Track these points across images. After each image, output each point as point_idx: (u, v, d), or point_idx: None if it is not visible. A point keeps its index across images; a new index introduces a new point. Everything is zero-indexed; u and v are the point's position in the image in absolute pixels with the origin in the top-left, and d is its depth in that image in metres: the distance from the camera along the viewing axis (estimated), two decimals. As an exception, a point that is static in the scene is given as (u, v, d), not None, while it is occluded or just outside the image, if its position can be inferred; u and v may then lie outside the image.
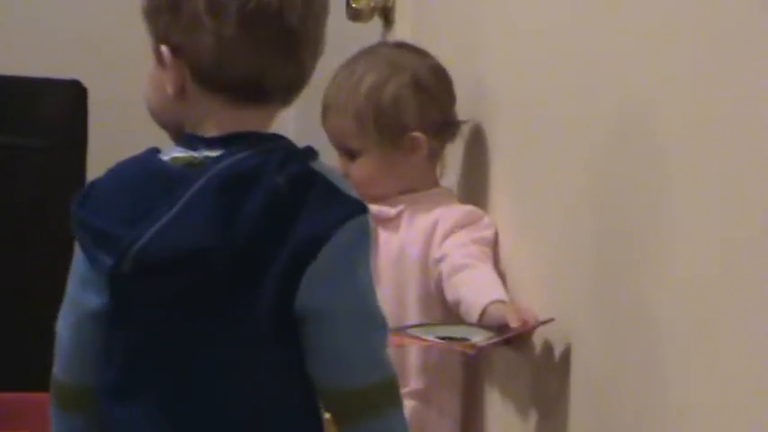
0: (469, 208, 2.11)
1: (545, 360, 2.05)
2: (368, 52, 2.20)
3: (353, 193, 1.51)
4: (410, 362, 2.10)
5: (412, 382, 2.08)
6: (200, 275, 1.47)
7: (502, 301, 1.94)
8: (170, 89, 1.51)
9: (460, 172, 2.29)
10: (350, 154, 2.10)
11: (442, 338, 1.98)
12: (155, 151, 1.52)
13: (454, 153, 2.26)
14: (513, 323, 1.89)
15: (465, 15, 2.36)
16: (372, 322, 1.52)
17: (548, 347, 2.03)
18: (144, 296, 1.51)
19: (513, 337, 1.94)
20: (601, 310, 1.88)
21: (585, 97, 1.88)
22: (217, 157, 1.48)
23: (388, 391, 1.54)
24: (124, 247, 1.45)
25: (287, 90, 1.54)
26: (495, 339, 1.89)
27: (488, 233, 2.07)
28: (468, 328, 1.98)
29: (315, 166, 1.50)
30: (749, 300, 1.44)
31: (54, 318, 2.36)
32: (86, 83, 2.96)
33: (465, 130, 2.21)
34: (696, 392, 1.56)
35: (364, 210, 1.49)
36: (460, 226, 2.06)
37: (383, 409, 1.53)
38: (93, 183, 1.59)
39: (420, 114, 2.10)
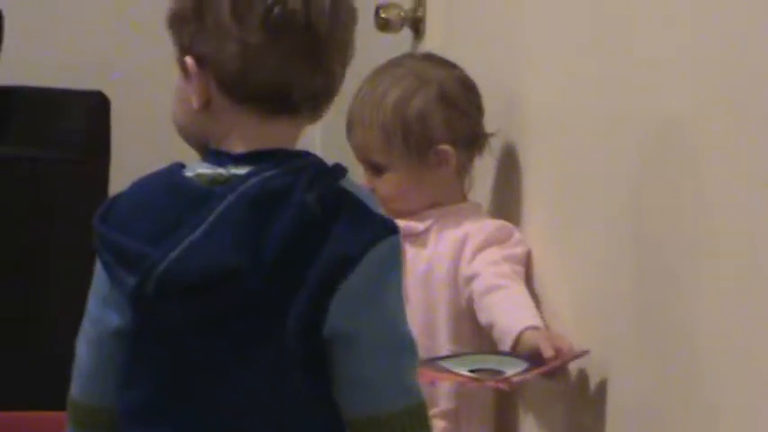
0: (500, 223, 2.10)
1: (581, 390, 2.04)
2: (393, 65, 2.19)
3: (383, 213, 1.50)
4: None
5: (442, 403, 2.04)
6: (229, 297, 1.45)
7: (536, 328, 1.93)
8: (195, 101, 1.48)
9: (492, 187, 2.28)
10: (376, 169, 2.09)
11: (475, 371, 1.95)
12: (179, 166, 1.49)
13: (485, 168, 2.25)
14: (548, 353, 1.88)
15: (499, 28, 2.37)
16: (402, 347, 1.50)
17: (584, 377, 2.02)
18: (168, 318, 1.49)
19: (551, 369, 1.93)
20: (642, 340, 1.86)
21: (621, 113, 1.87)
22: (244, 175, 1.46)
23: (417, 418, 1.51)
24: (148, 267, 1.43)
25: (315, 101, 1.50)
26: (528, 374, 1.88)
27: (520, 250, 2.05)
28: (501, 357, 1.95)
29: (344, 184, 1.47)
30: None
31: (74, 333, 2.34)
32: (109, 94, 3.01)
33: (496, 145, 2.20)
34: (740, 428, 1.55)
35: (395, 230, 1.47)
36: (491, 242, 2.04)
37: (420, 426, 1.52)
38: (115, 197, 1.55)
39: (447, 127, 2.09)
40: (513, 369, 1.93)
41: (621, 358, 1.94)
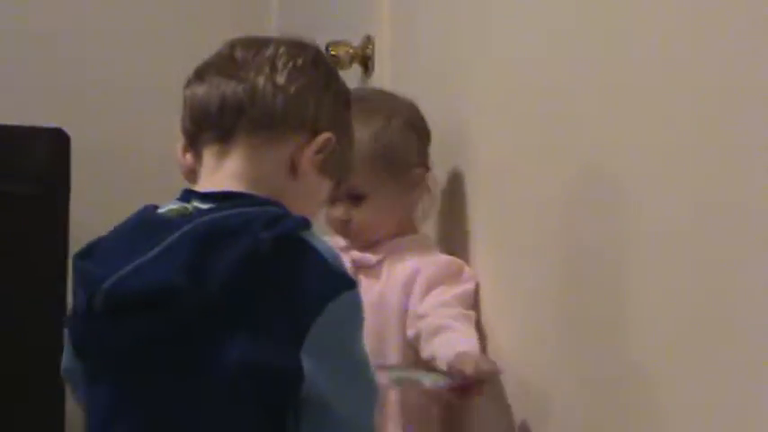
0: (450, 259, 2.12)
1: (522, 413, 2.05)
2: (359, 100, 2.14)
3: (341, 267, 1.53)
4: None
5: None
6: (167, 317, 1.47)
7: (467, 353, 1.95)
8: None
9: (439, 219, 2.28)
10: (356, 198, 2.11)
11: (395, 380, 1.99)
12: (153, 206, 1.55)
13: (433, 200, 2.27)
14: (468, 370, 1.88)
15: (444, 66, 2.39)
16: (374, 396, 1.55)
17: (524, 401, 2.04)
18: (115, 334, 1.49)
19: (468, 385, 1.93)
20: (578, 365, 1.89)
21: (559, 149, 1.90)
22: (205, 209, 1.50)
23: None
24: (98, 283, 1.46)
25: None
26: (442, 383, 1.89)
27: (469, 286, 2.08)
28: (428, 372, 1.95)
29: (305, 234, 1.50)
30: (730, 351, 1.45)
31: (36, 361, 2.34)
32: (69, 130, 2.98)
33: (443, 177, 2.24)
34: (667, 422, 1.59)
35: (351, 285, 1.50)
36: (442, 279, 2.07)
37: None
38: (96, 239, 1.59)
39: (419, 153, 2.15)
40: (431, 382, 1.96)
41: (560, 383, 1.95)
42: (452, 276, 2.06)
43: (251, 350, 1.46)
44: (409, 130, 2.14)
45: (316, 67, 1.64)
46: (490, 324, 2.12)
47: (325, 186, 1.67)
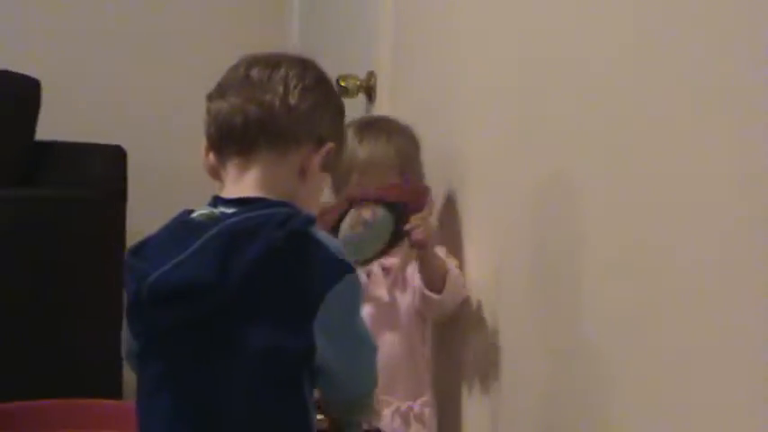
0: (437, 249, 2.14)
1: (499, 378, 2.07)
2: (371, 123, 2.21)
3: (341, 255, 1.51)
4: None
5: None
6: (198, 307, 1.48)
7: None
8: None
9: (440, 217, 2.28)
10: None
11: None
12: (187, 211, 1.55)
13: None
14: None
15: (438, 96, 2.38)
16: (373, 357, 1.55)
17: (500, 366, 2.05)
18: (158, 320, 1.52)
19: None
20: (544, 338, 1.90)
21: (529, 158, 1.91)
22: (230, 213, 1.51)
23: (370, 398, 1.59)
24: (144, 278, 1.48)
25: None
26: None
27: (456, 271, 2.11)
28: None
29: (311, 229, 1.50)
30: (670, 329, 1.46)
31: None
32: (126, 147, 3.01)
33: (438, 192, 2.23)
34: (621, 401, 1.59)
35: (349, 269, 1.50)
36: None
37: (369, 403, 1.59)
38: (145, 238, 1.60)
39: (421, 167, 2.17)
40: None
41: (528, 351, 1.96)
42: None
43: (271, 335, 1.46)
44: (416, 146, 2.17)
45: (319, 85, 1.62)
46: (479, 298, 2.14)
47: (325, 181, 1.68)
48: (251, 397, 1.49)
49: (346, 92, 2.64)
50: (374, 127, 2.18)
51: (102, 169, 3.01)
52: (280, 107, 1.54)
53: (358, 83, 2.70)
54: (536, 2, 1.96)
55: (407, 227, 2.02)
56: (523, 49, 1.99)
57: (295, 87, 1.56)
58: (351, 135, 2.14)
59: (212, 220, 1.50)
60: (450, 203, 2.26)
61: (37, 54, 3.49)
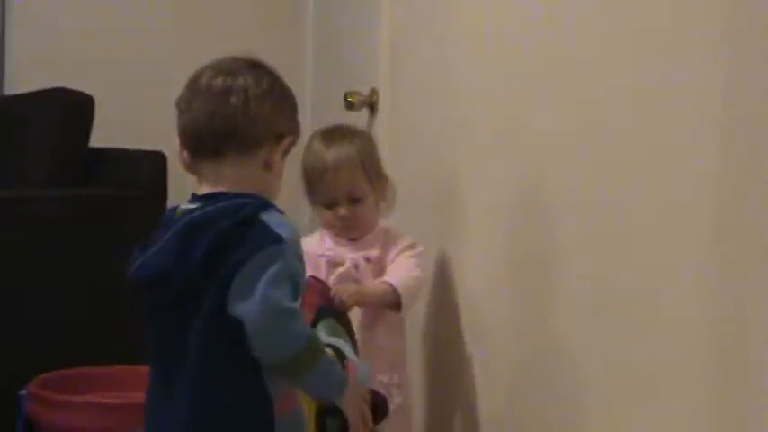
0: (410, 239, 2.14)
1: (477, 352, 2.12)
2: (333, 130, 2.19)
3: (279, 231, 1.49)
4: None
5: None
6: (165, 290, 1.52)
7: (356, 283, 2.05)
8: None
9: (438, 229, 2.33)
10: (354, 201, 2.11)
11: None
12: (174, 207, 1.59)
13: (429, 217, 2.36)
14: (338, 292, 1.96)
15: (431, 111, 2.39)
16: (278, 313, 1.47)
17: (481, 345, 2.10)
18: (146, 299, 1.57)
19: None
20: (519, 322, 1.94)
21: (511, 178, 1.94)
22: (194, 208, 1.54)
23: (307, 355, 1.50)
24: (131, 268, 1.55)
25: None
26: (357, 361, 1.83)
27: (418, 251, 2.11)
28: (347, 343, 1.84)
29: (261, 213, 1.50)
30: (628, 318, 1.50)
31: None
32: (166, 152, 2.98)
33: (434, 193, 2.32)
34: (583, 376, 1.64)
35: (279, 240, 1.48)
36: (406, 249, 2.10)
37: (307, 367, 1.51)
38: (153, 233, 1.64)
39: (379, 160, 2.18)
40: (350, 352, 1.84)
41: (500, 329, 2.01)
42: (411, 248, 2.11)
43: (215, 305, 1.47)
44: (373, 145, 2.20)
45: (273, 89, 1.61)
46: (466, 295, 2.18)
47: (283, 166, 1.66)
48: (202, 356, 1.49)
49: (352, 106, 2.69)
50: (336, 133, 2.17)
51: (146, 172, 3.03)
52: (242, 117, 1.54)
53: (362, 98, 2.72)
54: (517, 27, 1.95)
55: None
56: (507, 66, 1.99)
57: (254, 94, 1.55)
58: (317, 142, 2.15)
59: (181, 215, 1.53)
60: (445, 204, 2.27)
61: (90, 73, 3.49)
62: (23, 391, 2.47)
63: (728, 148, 1.28)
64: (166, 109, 3.41)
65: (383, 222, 2.22)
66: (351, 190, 2.11)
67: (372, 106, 2.74)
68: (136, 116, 3.51)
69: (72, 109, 3.13)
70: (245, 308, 1.46)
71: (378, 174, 2.17)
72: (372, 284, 2.08)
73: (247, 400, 1.52)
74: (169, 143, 3.10)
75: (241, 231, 1.48)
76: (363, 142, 2.18)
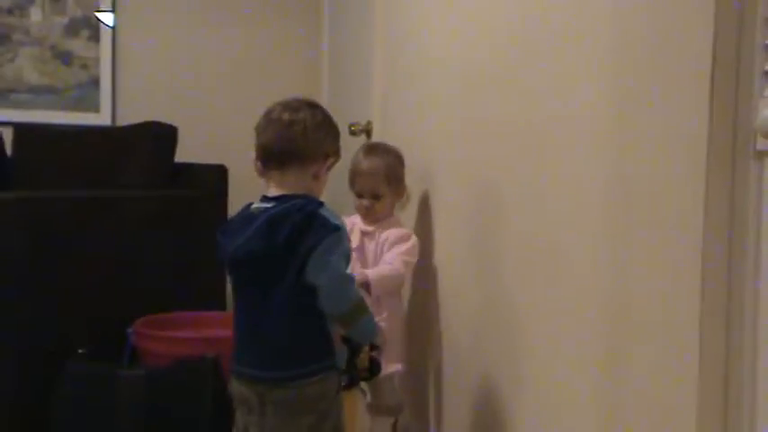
0: (404, 230, 2.17)
1: (445, 313, 2.13)
2: (374, 146, 2.24)
3: (336, 222, 1.52)
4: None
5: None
6: (256, 266, 1.54)
7: (364, 272, 2.02)
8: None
9: (416, 215, 2.30)
10: (375, 197, 2.14)
11: None
12: (249, 204, 1.61)
13: (412, 204, 2.29)
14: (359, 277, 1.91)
15: (408, 132, 2.42)
16: (343, 280, 1.52)
17: (449, 307, 2.10)
18: (238, 275, 1.59)
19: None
20: (478, 290, 1.89)
21: (471, 175, 1.94)
22: (270, 207, 1.56)
23: (358, 310, 1.56)
24: (227, 250, 1.57)
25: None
26: None
27: (411, 244, 2.12)
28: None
29: (320, 209, 1.52)
30: (554, 281, 1.48)
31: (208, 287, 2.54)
32: (228, 165, 3.09)
33: (418, 192, 2.26)
34: (528, 330, 1.61)
35: (338, 229, 1.51)
36: (398, 240, 2.13)
37: (357, 318, 1.56)
38: (227, 222, 1.67)
39: (403, 177, 2.20)
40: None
41: (466, 275, 1.95)
42: (403, 239, 2.14)
43: (293, 277, 1.50)
44: (400, 163, 2.21)
45: (323, 121, 1.61)
46: (439, 261, 2.17)
47: (327, 177, 1.65)
48: (283, 308, 1.52)
49: (354, 133, 2.74)
50: (375, 149, 2.22)
51: (213, 179, 3.06)
52: (301, 141, 1.56)
53: (360, 127, 2.80)
54: (478, 63, 1.88)
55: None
56: (467, 92, 1.94)
57: (310, 126, 1.57)
58: (361, 152, 2.18)
59: (261, 212, 1.55)
60: (425, 199, 2.26)
61: (175, 108, 3.61)
62: (131, 329, 2.57)
63: (620, 128, 1.22)
64: (226, 134, 3.51)
65: (397, 215, 2.22)
66: (373, 190, 2.14)
67: (368, 132, 2.81)
68: (206, 140, 3.61)
69: (161, 136, 3.19)
70: (323, 277, 1.48)
71: (397, 182, 2.16)
72: (361, 273, 2.02)
73: (316, 335, 1.54)
74: (230, 159, 3.14)
75: (309, 222, 1.49)
76: (391, 158, 2.17)
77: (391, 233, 2.14)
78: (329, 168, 1.62)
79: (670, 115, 1.10)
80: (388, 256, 2.10)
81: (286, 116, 1.57)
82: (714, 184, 1.01)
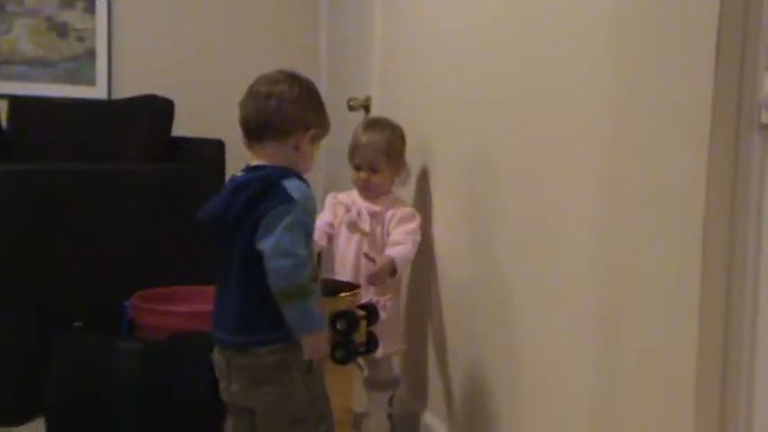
0: (410, 209, 2.18)
1: (443, 274, 2.14)
2: (375, 121, 2.24)
3: (294, 194, 1.50)
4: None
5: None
6: (216, 229, 1.57)
7: (389, 255, 2.06)
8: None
9: (414, 192, 2.32)
10: (374, 170, 2.15)
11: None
12: (235, 174, 1.61)
13: (410, 180, 2.29)
14: (377, 262, 2.01)
15: (407, 109, 2.41)
16: (286, 253, 1.48)
17: (446, 270, 2.13)
18: (210, 240, 1.60)
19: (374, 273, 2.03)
20: (472, 250, 1.94)
21: (467, 150, 1.96)
22: (241, 176, 1.58)
23: (297, 292, 1.49)
24: (198, 215, 1.60)
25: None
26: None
27: (414, 225, 2.14)
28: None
29: (283, 180, 1.52)
30: (538, 245, 1.53)
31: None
32: (225, 139, 3.07)
33: (416, 167, 2.27)
34: (516, 291, 1.66)
35: (291, 200, 1.49)
36: (404, 220, 2.15)
37: (294, 301, 1.50)
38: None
39: (403, 152, 2.21)
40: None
41: (463, 261, 2.00)
42: (409, 218, 2.16)
43: (247, 242, 1.50)
44: (401, 138, 2.21)
45: (303, 90, 1.60)
46: (436, 235, 2.19)
47: (314, 151, 1.64)
48: (240, 275, 1.53)
49: (352, 108, 2.77)
50: (375, 123, 2.22)
51: (210, 153, 3.05)
52: (276, 113, 1.56)
53: (360, 102, 2.82)
54: (472, 47, 1.90)
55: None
56: (463, 75, 1.96)
57: (287, 100, 1.57)
58: (361, 127, 2.19)
59: (233, 180, 1.58)
60: (424, 176, 2.27)
61: (170, 80, 3.58)
62: (128, 303, 2.54)
63: (620, 100, 1.23)
64: (224, 108, 3.22)
65: (396, 192, 2.23)
66: (372, 163, 2.15)
67: (367, 108, 2.83)
68: (203, 114, 3.56)
69: (158, 110, 3.16)
70: (265, 243, 1.48)
71: (397, 157, 2.17)
72: (386, 256, 2.07)
73: (270, 305, 1.52)
74: (227, 133, 2.93)
75: (266, 191, 1.50)
76: (392, 134, 2.18)
77: (398, 211, 2.15)
78: (314, 140, 1.61)
79: (673, 87, 1.10)
80: (397, 236, 2.11)
81: (263, 89, 1.58)
82: (717, 156, 1.01)
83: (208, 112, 3.61)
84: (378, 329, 1.86)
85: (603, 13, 1.28)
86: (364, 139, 2.16)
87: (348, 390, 2.00)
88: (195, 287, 2.72)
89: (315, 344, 1.55)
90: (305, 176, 1.60)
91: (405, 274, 2.25)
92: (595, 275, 1.32)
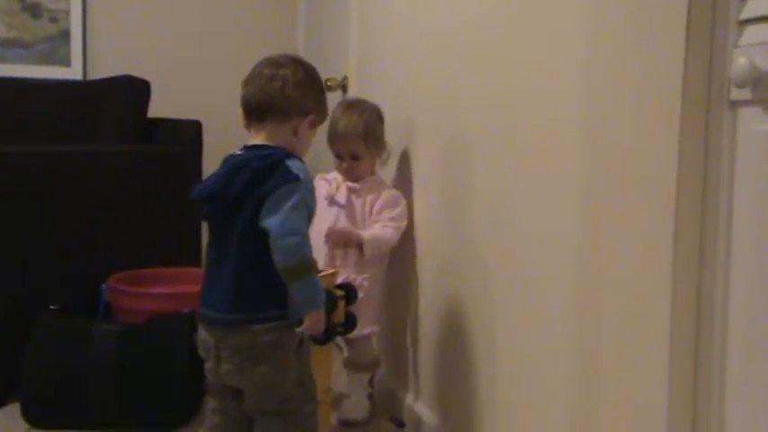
0: (395, 193, 2.18)
1: (422, 253, 2.17)
2: (351, 104, 2.23)
3: (299, 173, 1.52)
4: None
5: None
6: (214, 206, 1.57)
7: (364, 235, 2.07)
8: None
9: (395, 174, 2.31)
10: (354, 158, 2.17)
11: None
12: (233, 152, 1.61)
13: (391, 162, 2.29)
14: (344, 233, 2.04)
15: (383, 90, 2.41)
16: (290, 233, 1.48)
17: (425, 250, 2.14)
18: (205, 216, 1.61)
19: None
20: (450, 229, 1.95)
21: (445, 132, 1.95)
22: (239, 154, 1.59)
23: (304, 267, 1.50)
24: (194, 191, 1.59)
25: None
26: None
27: (400, 210, 2.15)
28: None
29: (286, 160, 1.53)
30: (512, 227, 1.54)
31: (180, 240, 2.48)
32: (202, 120, 3.06)
33: (397, 150, 2.26)
34: (491, 270, 1.67)
35: (297, 179, 1.51)
36: (389, 204, 2.16)
37: (302, 276, 1.50)
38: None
39: (382, 135, 2.21)
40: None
41: (441, 241, 2.00)
42: (393, 204, 2.17)
43: (248, 219, 1.51)
44: (378, 120, 2.21)
45: (305, 78, 1.62)
46: (416, 216, 2.19)
47: (312, 137, 1.66)
48: (239, 252, 1.53)
49: (330, 88, 2.73)
50: (352, 106, 2.21)
51: (187, 134, 3.03)
52: (278, 95, 1.58)
53: (337, 82, 2.84)
54: (451, 29, 1.90)
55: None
56: (443, 57, 1.95)
57: (292, 80, 1.59)
58: (338, 110, 2.17)
59: (231, 157, 1.59)
60: (405, 158, 2.27)
61: (146, 61, 3.57)
62: (104, 285, 2.53)
63: (592, 77, 1.24)
64: (201, 89, 3.54)
65: (379, 173, 2.25)
66: (352, 151, 2.16)
67: (344, 88, 2.85)
68: (180, 95, 3.56)
69: (135, 91, 3.15)
70: (271, 221, 1.48)
71: (376, 140, 2.17)
72: (356, 234, 2.09)
73: (269, 283, 1.52)
74: (204, 114, 3.11)
75: (271, 169, 1.51)
76: (369, 116, 2.17)
77: (382, 195, 2.16)
78: (312, 126, 1.63)
79: (644, 65, 1.10)
80: (381, 221, 2.12)
81: (267, 71, 1.59)
82: (688, 133, 1.01)
83: (185, 92, 3.63)
84: (354, 308, 1.88)
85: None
86: (341, 125, 2.16)
87: (327, 369, 2.01)
88: (171, 269, 2.71)
89: (318, 320, 1.55)
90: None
91: (386, 257, 2.24)
92: (571, 258, 1.32)
